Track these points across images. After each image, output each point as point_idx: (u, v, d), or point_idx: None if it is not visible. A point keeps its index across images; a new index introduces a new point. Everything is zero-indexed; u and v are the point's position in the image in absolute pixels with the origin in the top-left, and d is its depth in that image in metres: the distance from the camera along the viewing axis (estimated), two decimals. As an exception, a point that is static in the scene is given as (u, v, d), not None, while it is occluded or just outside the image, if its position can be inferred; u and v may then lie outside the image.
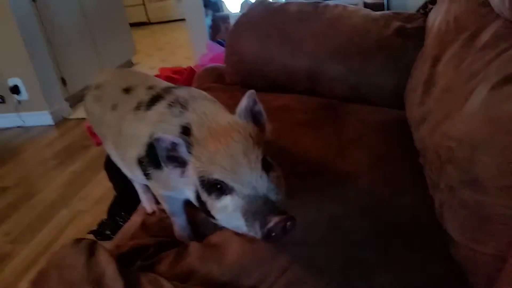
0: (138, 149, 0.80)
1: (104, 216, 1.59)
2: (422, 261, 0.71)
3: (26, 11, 2.72)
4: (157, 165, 0.75)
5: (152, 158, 0.76)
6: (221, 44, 2.73)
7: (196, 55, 3.01)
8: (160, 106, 0.79)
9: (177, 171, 0.69)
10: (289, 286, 0.71)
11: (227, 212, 0.64)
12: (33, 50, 2.76)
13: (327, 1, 1.49)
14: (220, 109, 0.78)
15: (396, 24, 1.27)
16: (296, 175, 0.96)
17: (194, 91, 0.84)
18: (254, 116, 0.72)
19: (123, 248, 0.87)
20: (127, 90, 0.90)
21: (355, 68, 1.25)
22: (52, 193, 2.04)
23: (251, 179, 0.62)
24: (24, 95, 2.85)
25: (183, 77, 2.50)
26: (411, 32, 1.24)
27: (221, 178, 0.63)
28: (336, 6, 1.40)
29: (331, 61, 1.28)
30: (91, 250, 0.75)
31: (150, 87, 0.86)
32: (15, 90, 2.82)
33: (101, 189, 1.96)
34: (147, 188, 1.07)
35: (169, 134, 0.68)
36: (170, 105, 0.77)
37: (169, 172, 0.69)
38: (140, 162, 0.80)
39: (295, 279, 0.72)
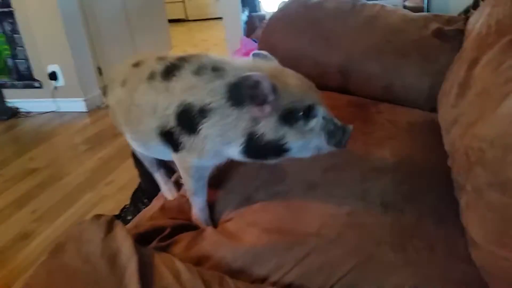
0: (160, 120, 0.82)
1: (127, 202, 1.61)
2: (442, 263, 0.68)
3: (70, 1, 2.81)
4: (192, 130, 0.79)
5: (186, 125, 0.80)
6: (256, 42, 2.74)
7: (230, 53, 3.03)
8: (184, 77, 0.81)
9: (257, 109, 0.75)
10: (301, 278, 0.70)
11: (312, 134, 0.78)
12: (73, 39, 2.85)
13: (366, 0, 1.46)
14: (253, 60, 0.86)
15: (434, 25, 1.23)
16: (319, 168, 0.94)
17: (210, 55, 0.85)
18: None
19: (141, 228, 0.87)
20: (136, 65, 0.91)
21: (390, 68, 1.22)
22: (80, 177, 2.09)
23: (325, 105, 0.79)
24: (61, 81, 2.94)
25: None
26: (450, 34, 1.20)
27: (314, 102, 0.77)
28: (374, 5, 1.38)
29: (365, 59, 1.25)
30: (109, 226, 0.76)
31: (161, 58, 0.88)
32: (53, 76, 2.92)
33: (127, 176, 2.00)
34: (167, 178, 1.08)
35: (207, 99, 0.77)
36: (197, 73, 0.80)
37: (248, 111, 0.76)
38: (167, 133, 0.82)
39: (308, 271, 0.70)
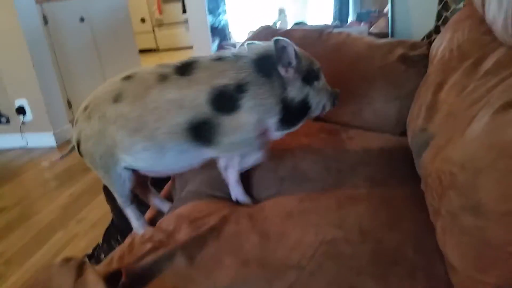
0: (189, 113, 0.87)
1: (100, 240, 1.56)
2: (423, 290, 0.68)
3: (37, 34, 2.78)
4: (232, 108, 0.87)
5: (224, 106, 0.87)
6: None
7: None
8: (207, 66, 0.90)
9: (284, 69, 0.90)
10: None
11: (322, 92, 0.97)
12: (41, 72, 2.80)
13: (332, 29, 1.50)
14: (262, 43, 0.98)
15: (399, 51, 1.27)
16: (294, 197, 0.94)
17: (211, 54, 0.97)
18: None
19: (111, 268, 0.84)
20: (127, 78, 0.92)
21: (358, 94, 1.24)
22: (50, 215, 2.01)
23: None
24: (29, 116, 2.87)
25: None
26: (415, 59, 1.24)
27: (318, 67, 0.98)
28: (340, 33, 1.41)
29: (333, 86, 1.27)
30: (80, 270, 0.73)
31: (160, 65, 0.94)
32: (20, 110, 2.85)
33: (99, 212, 1.94)
34: (139, 213, 1.06)
35: (240, 75, 0.87)
36: (219, 60, 0.91)
37: (277, 79, 0.90)
38: (197, 126, 0.87)
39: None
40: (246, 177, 1.08)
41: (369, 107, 1.22)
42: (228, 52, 0.92)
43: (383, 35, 1.97)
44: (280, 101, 0.90)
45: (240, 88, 0.87)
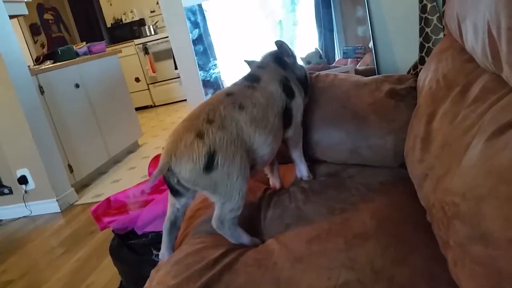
0: (280, 103, 1.15)
1: (110, 303, 1.53)
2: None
3: (34, 104, 2.85)
4: (293, 94, 1.20)
5: (289, 93, 1.19)
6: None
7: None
8: (266, 70, 1.21)
9: (287, 59, 1.27)
10: None
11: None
12: (41, 141, 2.83)
13: (318, 72, 1.54)
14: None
15: (387, 86, 1.30)
16: (301, 240, 0.93)
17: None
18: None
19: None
20: (229, 94, 1.09)
21: (352, 132, 1.26)
22: (58, 283, 1.98)
23: None
24: (31, 185, 2.89)
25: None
26: (402, 93, 1.27)
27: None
28: (327, 75, 1.45)
29: (327, 128, 1.30)
30: None
31: (236, 84, 1.17)
32: (22, 180, 2.86)
33: (107, 276, 1.91)
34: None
35: (280, 72, 1.22)
36: (263, 67, 1.23)
37: (285, 69, 1.26)
38: (284, 110, 1.16)
39: None
40: (251, 225, 1.08)
41: (365, 144, 1.23)
42: (256, 64, 1.25)
43: (370, 71, 2.01)
44: (299, 82, 1.25)
45: (286, 79, 1.20)
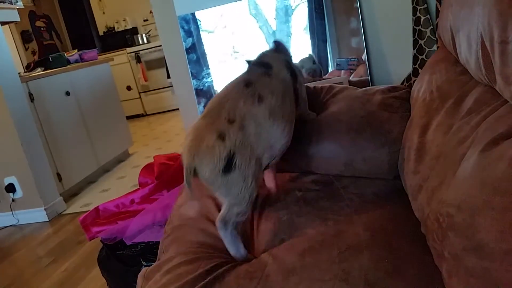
0: (290, 85, 1.20)
1: (97, 315, 1.50)
2: None
3: (24, 112, 2.82)
4: (296, 76, 1.26)
5: (293, 74, 1.23)
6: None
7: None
8: (269, 61, 1.21)
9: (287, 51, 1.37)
10: None
11: None
12: (29, 149, 2.80)
13: (314, 85, 1.54)
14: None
15: (379, 98, 1.30)
16: (294, 252, 0.92)
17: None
18: None
19: None
20: (248, 84, 1.07)
21: (347, 145, 1.26)
22: (45, 294, 1.94)
23: None
24: (19, 193, 2.84)
25: (177, 162, 2.51)
26: (396, 104, 1.27)
27: None
28: (322, 87, 1.45)
29: (321, 141, 1.29)
30: None
31: (249, 72, 1.18)
32: (10, 188, 2.81)
33: (95, 287, 1.87)
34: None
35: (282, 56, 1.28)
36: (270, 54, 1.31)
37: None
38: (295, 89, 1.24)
39: None
40: (243, 238, 1.07)
41: (360, 156, 1.23)
42: (259, 55, 1.27)
43: (363, 82, 2.02)
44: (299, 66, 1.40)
45: (288, 62, 1.24)
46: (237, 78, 1.12)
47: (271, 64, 1.17)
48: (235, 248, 1.01)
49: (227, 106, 1.00)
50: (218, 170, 0.94)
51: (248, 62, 1.25)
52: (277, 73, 1.16)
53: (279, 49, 1.31)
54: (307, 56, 2.17)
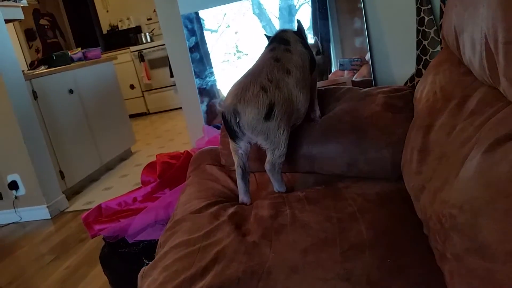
0: (308, 56, 1.35)
1: (99, 313, 1.50)
2: None
3: (27, 109, 2.82)
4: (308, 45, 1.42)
5: (307, 44, 1.40)
6: (218, 128, 2.79)
7: (193, 141, 3.06)
8: (288, 40, 1.34)
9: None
10: None
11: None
12: (32, 146, 2.81)
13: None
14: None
15: (383, 99, 1.30)
16: (297, 250, 0.92)
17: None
18: None
19: None
20: (276, 60, 1.25)
21: (350, 146, 1.26)
22: (47, 292, 1.94)
23: None
24: (22, 190, 2.85)
25: (179, 161, 2.51)
26: (400, 105, 1.27)
27: None
28: (326, 89, 1.46)
29: (325, 141, 1.30)
30: None
31: (273, 49, 1.32)
32: (13, 185, 2.82)
33: (97, 284, 1.88)
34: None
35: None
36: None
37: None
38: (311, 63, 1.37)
39: None
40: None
41: (363, 157, 1.23)
42: (276, 32, 1.38)
43: (367, 82, 2.02)
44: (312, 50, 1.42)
45: (301, 36, 1.39)
46: (264, 55, 1.29)
47: (288, 39, 1.33)
48: (280, 185, 1.23)
49: (265, 70, 1.19)
50: (261, 115, 1.11)
51: (267, 37, 1.41)
52: (295, 48, 1.31)
53: (299, 28, 1.42)
54: (312, 42, 2.13)
